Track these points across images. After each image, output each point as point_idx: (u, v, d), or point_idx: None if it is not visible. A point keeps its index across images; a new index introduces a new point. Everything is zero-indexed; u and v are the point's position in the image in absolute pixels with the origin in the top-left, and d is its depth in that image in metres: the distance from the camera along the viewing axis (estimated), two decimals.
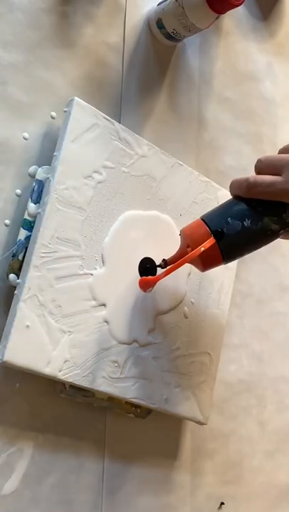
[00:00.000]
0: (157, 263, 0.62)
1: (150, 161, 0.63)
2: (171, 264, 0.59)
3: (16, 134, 0.58)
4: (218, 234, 0.56)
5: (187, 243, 0.58)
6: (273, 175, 0.57)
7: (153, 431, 0.67)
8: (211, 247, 0.56)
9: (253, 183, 0.57)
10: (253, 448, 0.77)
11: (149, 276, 0.59)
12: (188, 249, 0.57)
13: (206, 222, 0.57)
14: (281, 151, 0.60)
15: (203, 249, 0.55)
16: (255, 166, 0.59)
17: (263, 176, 0.57)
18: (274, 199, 0.57)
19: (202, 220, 0.58)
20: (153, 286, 0.59)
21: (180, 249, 0.59)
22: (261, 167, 0.59)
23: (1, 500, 0.55)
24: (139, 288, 0.59)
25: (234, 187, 0.59)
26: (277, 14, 0.84)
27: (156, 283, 0.58)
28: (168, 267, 0.57)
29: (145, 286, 0.59)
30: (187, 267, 0.63)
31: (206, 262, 0.57)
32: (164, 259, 0.60)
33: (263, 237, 0.58)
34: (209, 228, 0.57)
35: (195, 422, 0.67)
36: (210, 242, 0.56)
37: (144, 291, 0.59)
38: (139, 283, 0.59)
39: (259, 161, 0.59)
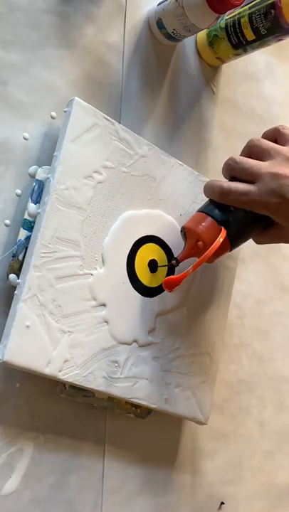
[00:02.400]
0: (160, 262, 0.62)
1: (150, 161, 0.63)
2: (182, 261, 0.60)
3: (16, 134, 0.58)
4: (225, 223, 0.57)
5: (196, 238, 0.58)
6: (247, 182, 0.58)
7: (153, 431, 0.67)
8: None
9: (226, 191, 0.58)
10: (253, 448, 0.77)
11: (173, 276, 0.59)
12: (200, 243, 0.58)
13: (209, 215, 0.58)
14: (250, 147, 0.60)
15: (221, 239, 0.56)
16: (228, 165, 0.59)
17: (237, 184, 0.58)
18: (246, 208, 0.58)
19: (203, 212, 0.59)
20: (178, 285, 0.59)
21: (189, 245, 0.59)
22: (236, 170, 0.59)
23: (1, 500, 0.55)
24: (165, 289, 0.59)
25: (207, 190, 0.60)
26: None
27: (181, 282, 0.59)
28: (195, 263, 0.58)
29: (171, 286, 0.59)
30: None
31: (216, 252, 0.58)
32: (175, 258, 0.60)
33: (263, 217, 0.59)
34: (215, 219, 0.57)
35: (195, 422, 0.67)
36: (224, 232, 0.57)
37: (170, 291, 0.59)
38: (165, 284, 0.59)
39: (234, 162, 0.59)
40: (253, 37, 0.67)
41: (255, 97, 0.80)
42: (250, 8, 0.66)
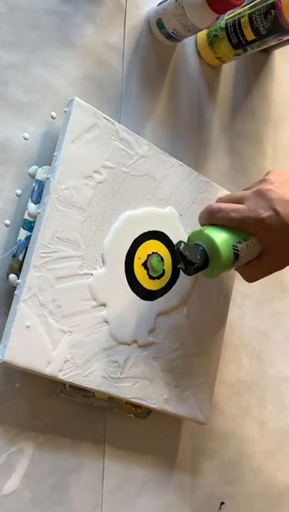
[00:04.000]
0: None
1: (150, 161, 0.63)
2: None
3: (16, 134, 0.58)
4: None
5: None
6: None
7: (153, 431, 0.67)
8: None
9: (216, 209, 0.59)
10: (253, 448, 0.77)
11: None
12: None
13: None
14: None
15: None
16: (209, 210, 0.61)
17: (227, 204, 0.60)
18: (236, 226, 0.59)
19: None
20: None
21: None
22: (222, 200, 0.62)
23: (1, 500, 0.55)
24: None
25: (200, 218, 0.62)
26: None
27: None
28: None
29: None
30: None
31: None
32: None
33: None
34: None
35: (195, 422, 0.67)
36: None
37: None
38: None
39: (219, 199, 0.63)
40: (253, 37, 0.67)
41: (255, 97, 0.80)
42: (250, 8, 0.67)
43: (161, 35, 0.68)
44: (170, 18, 0.65)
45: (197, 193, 0.67)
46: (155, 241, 0.63)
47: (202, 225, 0.61)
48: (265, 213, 0.57)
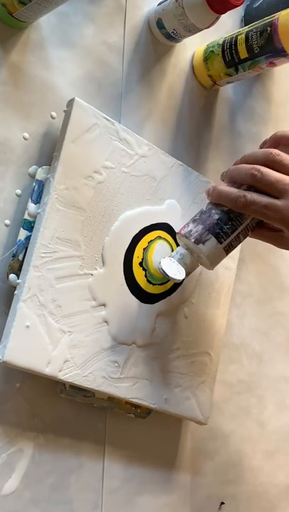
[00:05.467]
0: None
1: (150, 161, 0.63)
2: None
3: (16, 134, 0.58)
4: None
5: None
6: (269, 195, 0.57)
7: (153, 431, 0.67)
8: None
9: (250, 201, 0.57)
10: (253, 448, 0.77)
11: None
12: None
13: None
14: (270, 160, 0.59)
15: None
16: (253, 175, 0.58)
17: (261, 197, 0.57)
18: (265, 220, 0.58)
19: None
20: None
21: None
22: (261, 181, 0.58)
23: (1, 500, 0.55)
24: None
25: (225, 199, 0.58)
26: None
27: None
28: None
29: None
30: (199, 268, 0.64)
31: None
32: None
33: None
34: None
35: (195, 422, 0.67)
36: None
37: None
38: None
39: (259, 172, 0.58)
40: (246, 54, 0.66)
41: (255, 97, 0.80)
42: (250, 26, 0.66)
43: (161, 35, 0.68)
44: (170, 18, 0.65)
45: (197, 193, 0.67)
46: (158, 231, 0.63)
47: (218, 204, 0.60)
48: None
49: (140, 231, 0.62)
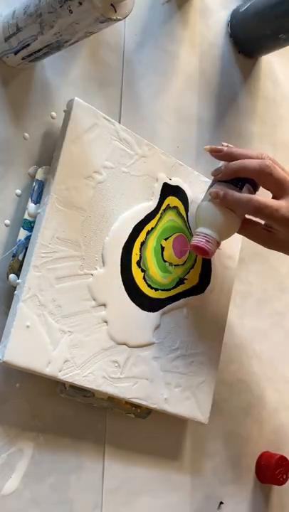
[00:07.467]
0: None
1: (150, 161, 0.63)
2: None
3: (16, 134, 0.58)
4: None
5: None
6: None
7: (153, 431, 0.67)
8: None
9: (263, 206, 0.59)
10: (252, 448, 0.77)
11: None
12: None
13: None
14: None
15: None
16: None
17: (267, 200, 0.60)
18: (274, 222, 0.60)
19: None
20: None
21: None
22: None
23: (1, 500, 0.55)
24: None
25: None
26: None
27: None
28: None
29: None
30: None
31: None
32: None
33: None
34: None
35: (195, 421, 0.67)
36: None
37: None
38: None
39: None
40: None
41: (256, 96, 0.80)
42: None
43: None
44: None
45: (197, 193, 0.67)
46: (154, 220, 0.64)
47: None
48: None
49: (137, 224, 0.62)
